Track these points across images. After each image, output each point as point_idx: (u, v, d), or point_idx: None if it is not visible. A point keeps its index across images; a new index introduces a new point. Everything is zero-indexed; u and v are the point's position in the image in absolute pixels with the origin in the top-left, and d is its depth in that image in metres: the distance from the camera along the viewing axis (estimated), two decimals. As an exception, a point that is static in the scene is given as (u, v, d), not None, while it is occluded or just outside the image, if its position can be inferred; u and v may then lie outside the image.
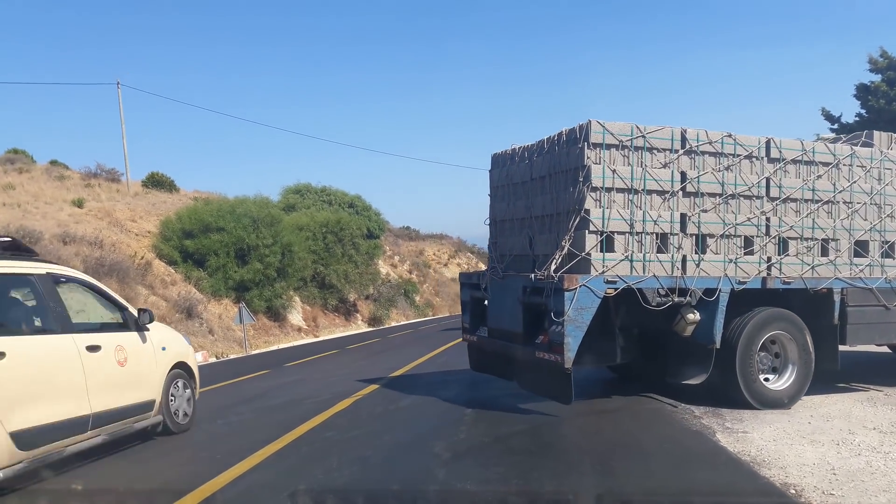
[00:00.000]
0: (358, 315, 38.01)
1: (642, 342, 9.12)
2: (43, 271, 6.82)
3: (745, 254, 8.51)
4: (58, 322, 6.69)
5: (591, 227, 7.90)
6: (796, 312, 8.65)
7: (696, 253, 8.30)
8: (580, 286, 7.64)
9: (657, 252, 8.16)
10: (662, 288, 8.14)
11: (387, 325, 38.05)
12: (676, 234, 8.25)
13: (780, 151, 8.79)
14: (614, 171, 8.00)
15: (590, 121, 7.99)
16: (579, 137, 8.15)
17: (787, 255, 8.71)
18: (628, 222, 8.02)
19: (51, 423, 6.14)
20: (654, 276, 8.08)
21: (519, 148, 9.69)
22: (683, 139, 8.38)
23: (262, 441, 7.52)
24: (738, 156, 8.57)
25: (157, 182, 39.84)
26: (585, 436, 7.48)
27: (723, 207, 8.46)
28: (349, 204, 44.93)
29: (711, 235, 8.38)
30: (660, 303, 8.13)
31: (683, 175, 8.33)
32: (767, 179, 8.68)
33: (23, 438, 5.79)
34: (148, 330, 8.15)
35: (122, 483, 6.41)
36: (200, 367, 19.52)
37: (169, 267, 27.16)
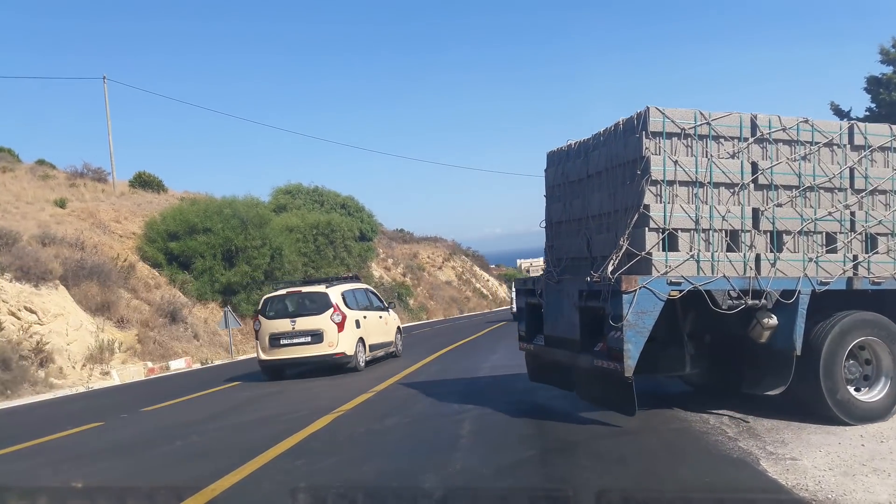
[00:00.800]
0: (350, 319, 37.17)
1: (714, 350, 8.28)
2: (365, 286, 18.94)
3: (827, 252, 7.67)
4: (372, 305, 17.32)
5: (652, 224, 7.22)
6: (889, 316, 7.73)
7: (771, 251, 7.50)
8: (640, 288, 6.97)
9: (727, 251, 7.42)
10: (734, 290, 7.33)
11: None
12: (748, 231, 7.46)
13: (866, 138, 7.88)
14: (676, 162, 7.31)
15: (648, 107, 7.31)
16: (637, 126, 7.46)
17: (877, 252, 7.81)
18: (693, 218, 7.30)
19: (375, 343, 16.53)
20: (724, 276, 7.30)
21: (575, 143, 8.94)
22: (753, 126, 7.58)
23: (218, 471, 6.59)
24: (817, 143, 7.72)
25: (144, 182, 38.88)
26: (605, 465, 6.33)
27: (800, 201, 7.62)
28: (341, 205, 44.06)
29: (788, 232, 7.57)
30: (731, 306, 7.32)
31: (754, 166, 7.53)
32: (851, 169, 7.80)
33: (372, 347, 16.25)
34: (389, 312, 18.41)
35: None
36: (181, 374, 18.72)
37: (153, 269, 26.26)
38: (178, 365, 20.58)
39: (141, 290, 24.53)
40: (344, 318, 15.05)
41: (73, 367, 18.57)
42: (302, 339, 14.88)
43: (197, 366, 21.18)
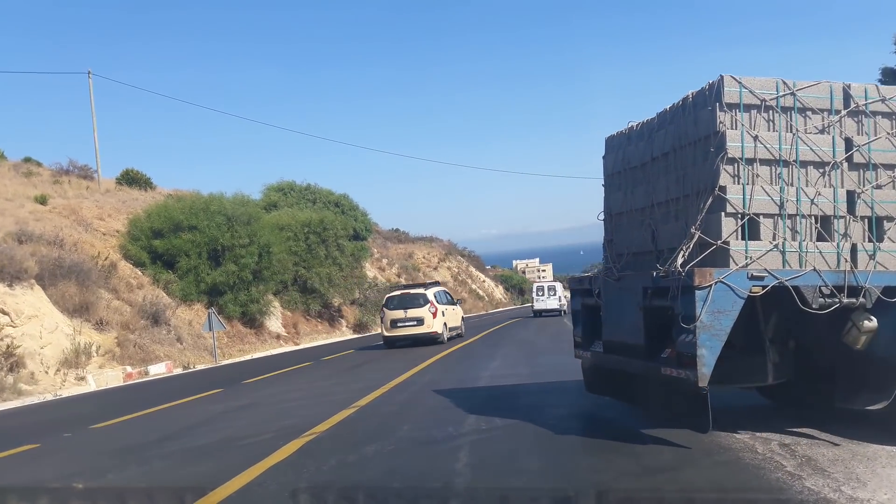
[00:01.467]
0: (343, 321, 36.12)
1: (800, 357, 7.13)
2: (444, 288, 26.50)
3: (941, 241, 6.61)
4: (449, 301, 24.85)
5: (729, 209, 6.26)
6: None
7: (870, 241, 6.49)
8: (715, 283, 5.96)
9: (817, 240, 6.42)
10: (826, 285, 6.28)
11: (373, 332, 36.15)
12: (842, 217, 6.45)
13: None
14: (756, 137, 6.34)
15: (722, 76, 6.43)
16: (709, 98, 6.57)
17: None
18: (777, 202, 6.32)
19: (451, 326, 23.95)
20: (815, 270, 6.29)
21: (637, 124, 7.93)
22: (846, 97, 6.60)
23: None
24: (924, 116, 6.67)
25: (132, 179, 37.88)
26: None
27: (904, 182, 6.56)
28: (335, 203, 43.01)
29: (890, 218, 6.57)
30: (823, 305, 6.25)
31: (849, 142, 6.55)
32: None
33: (450, 329, 23.70)
34: (457, 306, 25.43)
35: None
36: (159, 380, 17.68)
37: (136, 269, 25.19)
38: (158, 370, 19.51)
39: (122, 290, 23.46)
40: (436, 310, 22.66)
41: (46, 373, 17.50)
42: (410, 323, 22.41)
43: (178, 370, 20.11)
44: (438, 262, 74.29)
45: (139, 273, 25.07)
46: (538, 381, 11.61)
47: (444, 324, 23.01)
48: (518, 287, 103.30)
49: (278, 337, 28.83)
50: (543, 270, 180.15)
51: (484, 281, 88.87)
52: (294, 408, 10.57)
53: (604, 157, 8.60)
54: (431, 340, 22.07)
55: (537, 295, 45.32)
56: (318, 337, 31.66)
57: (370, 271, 48.07)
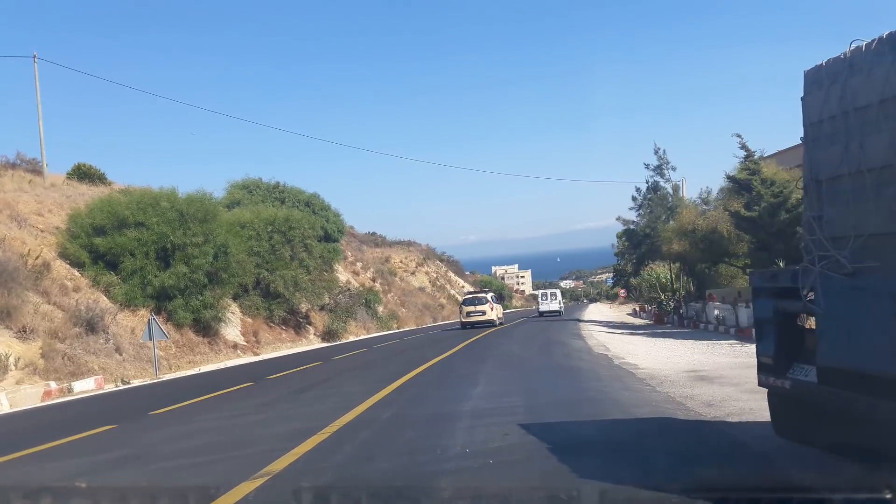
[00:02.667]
0: (310, 328, 33.47)
1: None
2: (492, 293, 43.99)
3: None
4: (498, 300, 43.72)
5: None
6: None
7: None
8: None
9: None
10: None
11: (344, 340, 33.57)
12: None
13: None
14: None
15: None
16: None
17: None
18: None
19: (500, 317, 39.28)
20: None
21: (864, 45, 5.05)
22: None
23: None
24: None
25: (83, 174, 35.03)
26: None
27: None
28: (305, 203, 40.42)
29: None
30: None
31: None
32: None
33: (499, 320, 38.20)
34: (499, 303, 42.95)
35: None
36: (82, 400, 14.96)
37: (73, 270, 22.45)
38: (84, 386, 16.79)
39: (55, 293, 20.70)
40: (493, 306, 36.06)
41: (-53, 390, 14.79)
42: (478, 314, 35.33)
43: (110, 387, 17.39)
44: (416, 267, 71.80)
45: (77, 274, 22.34)
46: (566, 417, 8.12)
47: (496, 314, 36.59)
48: (497, 293, 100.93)
49: (235, 346, 26.13)
50: (522, 276, 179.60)
51: (463, 286, 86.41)
52: (191, 467, 6.94)
53: (803, 99, 5.62)
54: (490, 324, 35.11)
55: (542, 299, 54.54)
56: (281, 346, 28.99)
57: (343, 275, 45.49)
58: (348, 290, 40.79)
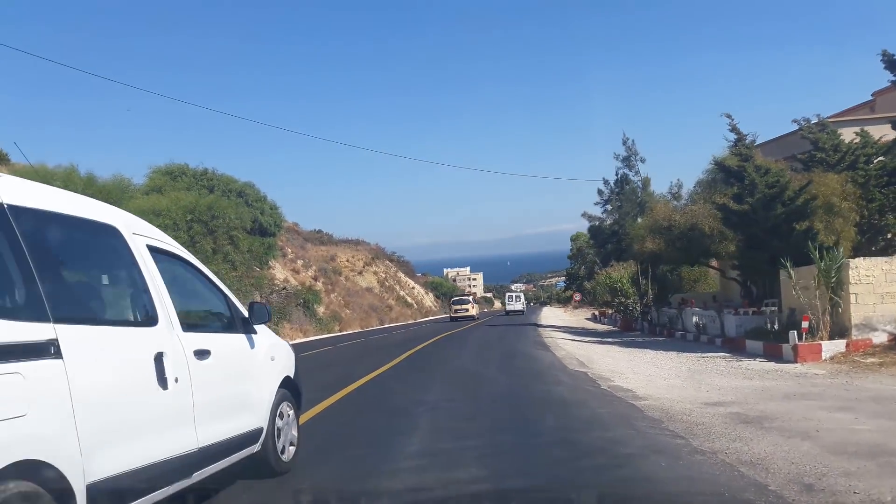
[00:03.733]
0: (237, 330, 29.76)
1: None
2: (473, 295, 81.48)
3: None
4: (476, 301, 63.46)
5: None
6: None
7: None
8: None
9: None
10: None
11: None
12: None
13: None
14: None
15: None
16: None
17: None
18: None
19: (478, 314, 58.39)
20: None
21: None
22: None
23: None
24: None
25: (-20, 154, 30.89)
26: None
27: None
28: (238, 192, 36.65)
29: None
30: None
31: None
32: None
33: (477, 316, 55.73)
34: (477, 304, 66.45)
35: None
36: None
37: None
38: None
39: None
40: (473, 306, 53.63)
41: None
42: (463, 310, 51.58)
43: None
44: (364, 266, 68.16)
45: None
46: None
47: (475, 312, 52.16)
48: (449, 295, 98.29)
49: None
50: (474, 279, 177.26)
51: (413, 287, 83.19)
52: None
53: None
54: (471, 318, 49.06)
55: (508, 301, 67.55)
56: (200, 351, 25.32)
57: (280, 272, 41.82)
58: (284, 288, 37.17)
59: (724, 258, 20.87)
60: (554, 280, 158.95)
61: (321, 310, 41.55)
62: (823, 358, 13.57)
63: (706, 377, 11.63)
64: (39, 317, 3.20)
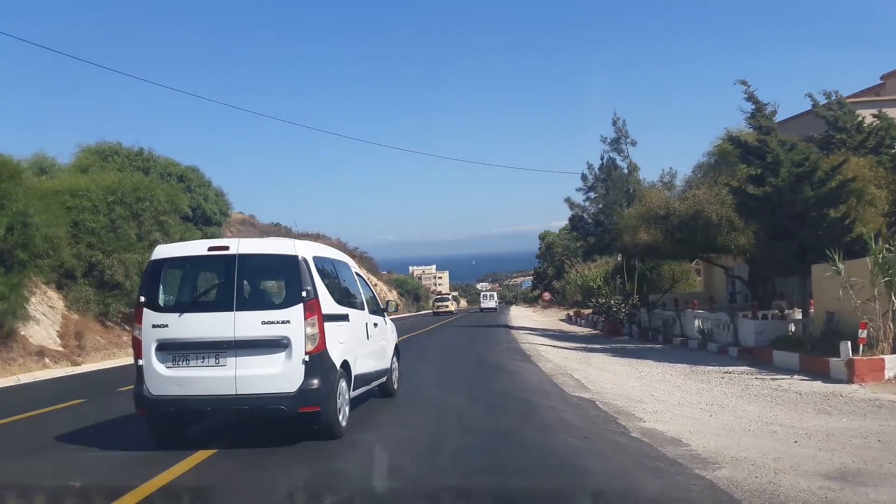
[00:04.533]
0: (169, 329, 26.09)
1: None
2: (455, 295, 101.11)
3: None
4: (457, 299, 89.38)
5: None
6: None
7: None
8: None
9: None
10: None
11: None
12: None
13: None
14: None
15: None
16: None
17: None
18: None
19: (457, 310, 71.33)
20: None
21: None
22: None
23: None
24: None
25: None
26: None
27: None
28: (178, 176, 32.95)
29: None
30: None
31: None
32: None
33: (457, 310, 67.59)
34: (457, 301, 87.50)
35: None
36: None
37: None
38: None
39: None
40: (453, 303, 67.32)
41: None
42: (444, 306, 60.87)
43: None
44: (322, 262, 64.47)
45: None
46: None
47: (454, 308, 58.94)
48: (414, 293, 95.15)
49: (41, 353, 18.71)
50: (440, 277, 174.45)
51: (376, 285, 79.56)
52: None
53: None
54: (450, 314, 53.75)
55: (483, 299, 73.03)
56: (118, 353, 21.65)
57: (227, 266, 38.10)
58: (228, 283, 33.61)
59: (732, 252, 17.71)
60: (519, 280, 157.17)
61: (271, 307, 37.92)
62: (887, 377, 10.62)
63: (759, 409, 8.50)
64: (342, 304, 7.90)
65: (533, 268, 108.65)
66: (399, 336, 11.97)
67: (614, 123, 26.40)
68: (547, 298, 69.78)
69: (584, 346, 19.92)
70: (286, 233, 69.46)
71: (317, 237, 74.26)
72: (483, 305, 69.52)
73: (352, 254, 79.16)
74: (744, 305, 22.62)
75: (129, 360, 19.13)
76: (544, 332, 27.49)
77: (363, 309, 8.96)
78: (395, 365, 10.45)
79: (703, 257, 20.75)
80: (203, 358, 6.78)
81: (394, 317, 59.92)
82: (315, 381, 6.78)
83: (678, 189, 21.16)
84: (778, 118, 19.55)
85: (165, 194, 24.63)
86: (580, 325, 33.55)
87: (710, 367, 13.10)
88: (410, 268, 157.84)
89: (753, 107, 15.50)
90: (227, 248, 7.18)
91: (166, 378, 6.81)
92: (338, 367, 7.26)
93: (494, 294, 77.12)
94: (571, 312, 40.76)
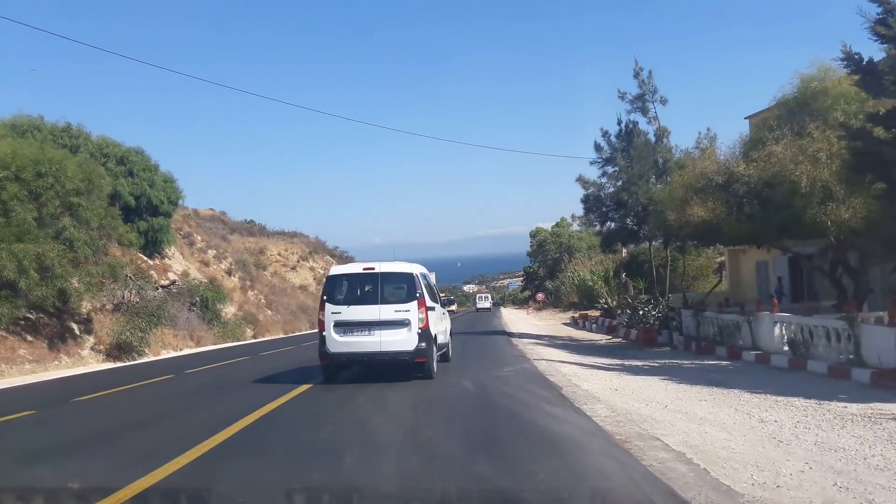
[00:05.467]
0: (89, 339, 21.00)
1: None
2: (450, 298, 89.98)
3: None
4: (449, 301, 66.92)
5: None
6: None
7: None
8: None
9: None
10: None
11: (151, 358, 21.52)
12: None
13: None
14: None
15: None
16: None
17: None
18: None
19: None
20: None
21: None
22: None
23: None
24: None
25: None
26: None
27: None
28: (118, 159, 27.94)
29: None
30: None
31: None
32: None
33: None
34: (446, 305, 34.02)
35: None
36: None
37: None
38: None
39: None
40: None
41: None
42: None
43: None
44: (298, 261, 59.45)
45: None
46: None
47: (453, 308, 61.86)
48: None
49: None
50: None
51: (358, 287, 74.62)
52: None
53: None
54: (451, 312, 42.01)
55: (478, 301, 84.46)
56: (11, 370, 16.63)
57: (180, 263, 33.07)
58: (173, 282, 28.51)
59: (830, 231, 12.76)
60: (507, 282, 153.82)
61: (229, 311, 32.85)
62: None
63: None
64: (433, 300, 13.42)
65: (522, 268, 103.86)
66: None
67: (636, 75, 20.90)
68: (541, 299, 65.12)
69: (620, 363, 14.80)
70: (260, 230, 64.69)
71: (293, 235, 69.54)
72: (479, 306, 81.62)
73: (331, 253, 74.33)
74: (793, 307, 17.92)
75: (29, 378, 14.23)
76: (553, 341, 22.26)
77: (438, 303, 14.34)
78: (450, 342, 15.62)
79: (774, 242, 15.78)
80: (361, 331, 11.96)
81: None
82: (423, 345, 11.99)
83: (734, 150, 16.04)
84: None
85: (79, 170, 19.52)
86: (592, 331, 28.36)
87: (854, 407, 8.30)
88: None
89: (880, 9, 10.60)
90: (373, 268, 12.53)
91: (339, 342, 11.99)
92: (433, 337, 12.51)
93: (489, 296, 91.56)
94: (576, 315, 35.75)
